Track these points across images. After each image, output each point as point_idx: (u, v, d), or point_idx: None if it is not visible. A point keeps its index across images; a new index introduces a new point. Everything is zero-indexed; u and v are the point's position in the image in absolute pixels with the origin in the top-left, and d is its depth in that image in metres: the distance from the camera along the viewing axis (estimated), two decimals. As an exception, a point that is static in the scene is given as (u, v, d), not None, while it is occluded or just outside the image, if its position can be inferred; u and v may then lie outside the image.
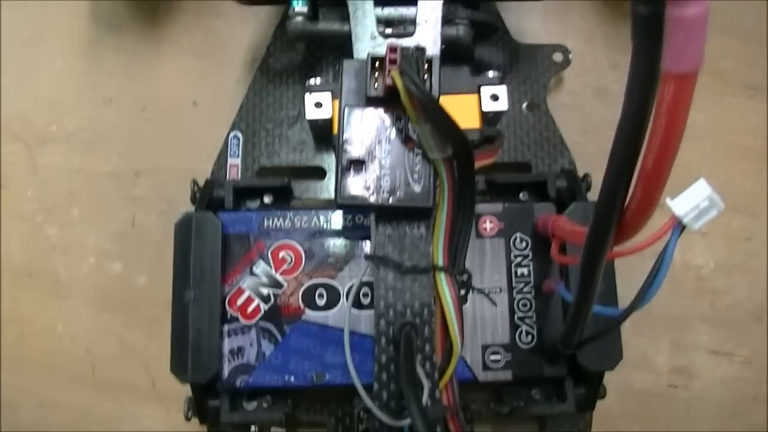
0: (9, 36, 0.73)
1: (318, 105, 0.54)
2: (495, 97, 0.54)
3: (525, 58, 0.68)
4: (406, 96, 0.45)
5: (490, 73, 0.56)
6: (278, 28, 0.68)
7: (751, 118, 0.70)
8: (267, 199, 0.60)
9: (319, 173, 0.65)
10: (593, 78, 0.70)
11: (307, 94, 0.54)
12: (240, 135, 0.65)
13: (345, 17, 0.57)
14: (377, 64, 0.49)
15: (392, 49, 0.47)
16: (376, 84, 0.48)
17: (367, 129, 0.49)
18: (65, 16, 0.73)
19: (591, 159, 0.65)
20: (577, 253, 0.40)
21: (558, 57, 0.68)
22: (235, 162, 0.65)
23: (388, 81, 0.46)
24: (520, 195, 0.60)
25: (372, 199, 0.48)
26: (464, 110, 0.54)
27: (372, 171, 0.48)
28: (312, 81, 0.55)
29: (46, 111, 0.71)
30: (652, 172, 0.32)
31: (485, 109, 0.54)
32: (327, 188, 0.65)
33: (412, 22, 0.56)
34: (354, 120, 0.49)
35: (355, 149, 0.48)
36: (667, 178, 0.32)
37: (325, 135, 0.57)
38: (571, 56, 0.68)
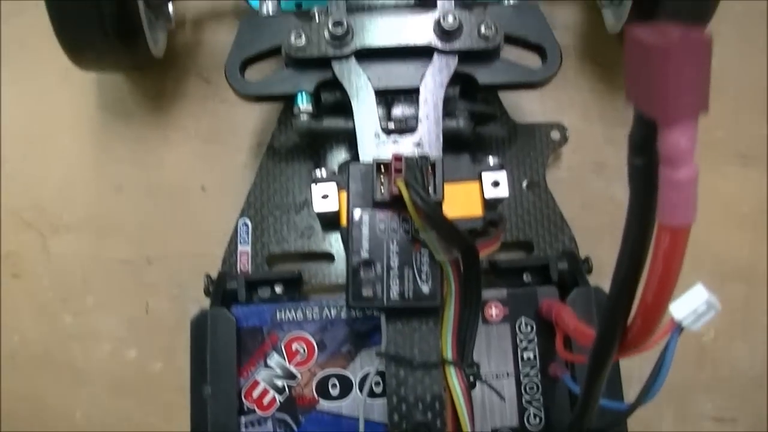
0: (19, 126, 0.76)
1: (325, 197, 0.55)
2: (496, 184, 0.55)
3: (523, 136, 0.70)
4: (412, 207, 0.47)
5: (491, 160, 0.57)
6: (282, 113, 0.70)
7: (746, 186, 0.72)
8: (278, 289, 0.62)
9: (328, 257, 0.67)
10: (590, 153, 0.72)
11: (313, 186, 0.55)
12: (249, 222, 0.67)
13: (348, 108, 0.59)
14: (383, 168, 0.50)
15: (397, 159, 0.49)
16: (383, 189, 0.50)
17: (375, 231, 0.50)
18: (73, 106, 0.76)
19: (590, 233, 0.67)
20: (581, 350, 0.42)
21: (555, 135, 0.70)
22: (245, 249, 0.67)
23: (395, 190, 0.48)
24: (524, 276, 0.62)
25: (382, 301, 0.49)
26: (467, 198, 0.55)
27: (381, 272, 0.50)
28: (317, 173, 0.56)
29: (57, 199, 0.74)
30: (651, 306, 0.34)
31: (487, 196, 0.55)
32: (335, 271, 0.67)
33: (414, 116, 0.57)
34: (362, 223, 0.51)
35: (364, 251, 0.50)
36: (665, 309, 0.34)
37: (333, 224, 0.58)
38: (568, 133, 0.69)
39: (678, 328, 0.38)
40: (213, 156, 0.74)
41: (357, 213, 0.51)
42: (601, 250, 0.64)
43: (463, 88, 0.61)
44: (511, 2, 0.63)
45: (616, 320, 0.36)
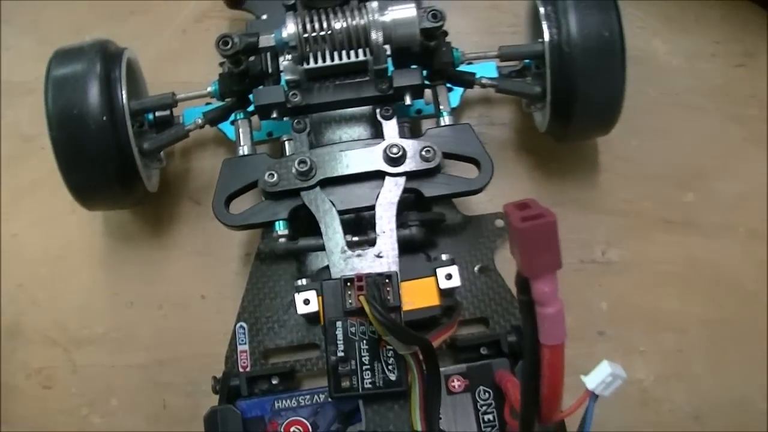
0: (39, 256, 0.87)
1: (306, 302, 0.65)
2: (449, 276, 0.66)
3: (472, 227, 0.81)
4: (374, 320, 0.58)
5: (443, 256, 0.67)
6: (265, 229, 0.81)
7: (671, 248, 0.83)
8: (275, 381, 0.73)
9: (314, 347, 0.79)
10: (532, 234, 0.83)
11: (296, 294, 0.66)
12: (245, 325, 0.78)
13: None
14: (349, 283, 0.62)
15: (359, 279, 0.60)
16: (350, 300, 0.61)
17: (348, 334, 0.61)
18: (83, 234, 0.87)
19: (538, 304, 0.78)
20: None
21: (500, 223, 0.82)
22: (244, 348, 0.77)
23: (358, 304, 0.60)
24: (481, 350, 0.73)
25: (358, 390, 0.61)
26: (424, 292, 0.66)
27: (355, 366, 0.61)
28: (300, 282, 0.67)
29: (77, 317, 0.85)
30: (548, 397, 0.45)
31: (442, 287, 0.66)
32: (321, 358, 0.78)
33: (373, 231, 0.68)
34: (337, 328, 0.62)
35: (340, 351, 0.61)
36: (559, 400, 0.45)
37: (315, 320, 0.69)
38: (510, 221, 0.81)
39: (593, 395, 0.47)
40: (209, 268, 0.84)
41: (331, 321, 0.62)
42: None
43: (414, 200, 0.72)
44: (447, 121, 0.74)
45: (529, 404, 0.47)
